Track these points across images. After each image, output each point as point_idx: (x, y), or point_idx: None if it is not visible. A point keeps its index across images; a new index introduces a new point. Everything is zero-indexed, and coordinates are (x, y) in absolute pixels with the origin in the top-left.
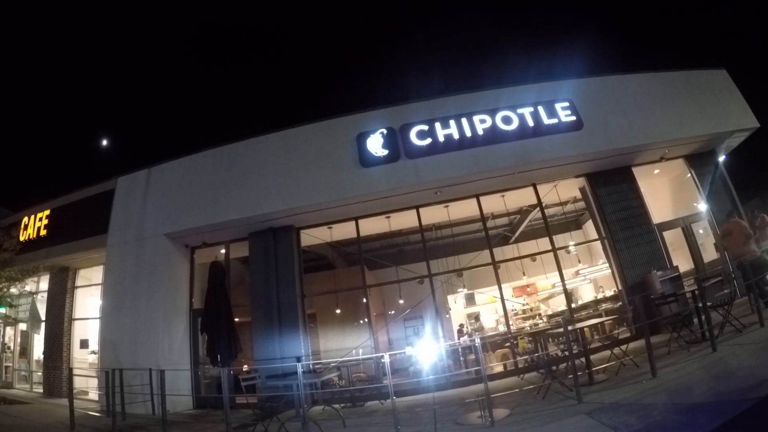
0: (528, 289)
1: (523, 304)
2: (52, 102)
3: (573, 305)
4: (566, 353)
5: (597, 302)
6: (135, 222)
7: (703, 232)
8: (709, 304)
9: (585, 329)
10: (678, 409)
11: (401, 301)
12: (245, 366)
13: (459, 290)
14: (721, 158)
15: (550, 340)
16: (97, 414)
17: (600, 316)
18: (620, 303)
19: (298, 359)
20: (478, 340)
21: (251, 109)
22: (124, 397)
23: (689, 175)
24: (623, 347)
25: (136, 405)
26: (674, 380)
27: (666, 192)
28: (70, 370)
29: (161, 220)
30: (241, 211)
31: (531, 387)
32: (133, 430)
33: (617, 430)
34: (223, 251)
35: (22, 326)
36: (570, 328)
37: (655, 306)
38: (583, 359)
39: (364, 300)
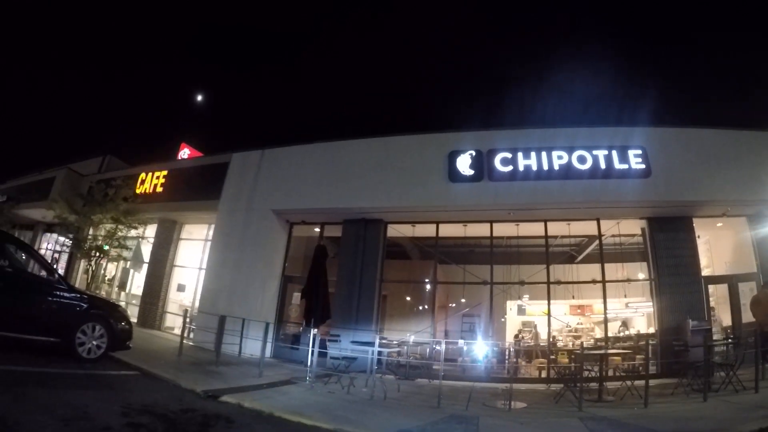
0: (578, 310)
1: (578, 323)
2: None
3: (621, 333)
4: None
5: (639, 336)
6: (246, 194)
7: (749, 293)
8: (718, 361)
9: (613, 357)
10: (638, 429)
11: (463, 300)
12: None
13: (517, 299)
14: None
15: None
16: (191, 344)
17: (632, 349)
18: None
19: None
20: (512, 348)
21: (359, 111)
22: (222, 337)
23: (749, 234)
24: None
25: (226, 346)
26: (657, 414)
27: (724, 246)
28: (185, 310)
29: (270, 196)
30: (341, 201)
31: (551, 393)
32: (228, 365)
33: (587, 427)
34: (317, 230)
35: (125, 264)
36: (586, 353)
37: (673, 352)
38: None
39: (432, 293)
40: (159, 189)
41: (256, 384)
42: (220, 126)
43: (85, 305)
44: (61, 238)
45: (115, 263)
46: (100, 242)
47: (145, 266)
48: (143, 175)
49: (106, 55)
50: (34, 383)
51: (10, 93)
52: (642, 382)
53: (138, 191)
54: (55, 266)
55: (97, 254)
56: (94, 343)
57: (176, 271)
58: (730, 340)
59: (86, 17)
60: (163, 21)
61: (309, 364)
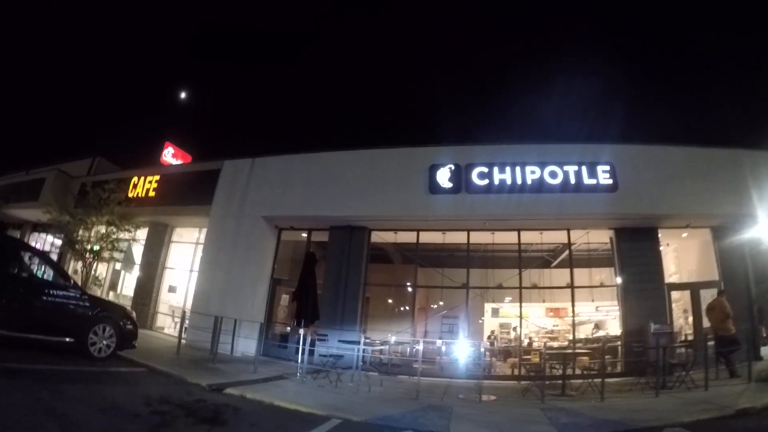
0: (551, 313)
1: (554, 326)
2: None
3: (593, 335)
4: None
5: (608, 338)
6: (237, 201)
7: (710, 300)
8: (674, 361)
9: (581, 356)
10: (591, 420)
11: (441, 303)
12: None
13: (492, 302)
14: (747, 236)
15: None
16: (184, 342)
17: (597, 350)
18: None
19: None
20: (483, 348)
21: (350, 113)
22: (218, 337)
23: (712, 245)
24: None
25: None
26: (610, 406)
27: (690, 254)
28: (183, 312)
29: (260, 203)
30: (328, 209)
31: (521, 388)
32: (224, 362)
33: (550, 420)
34: (304, 235)
35: (116, 265)
36: (551, 352)
37: (634, 353)
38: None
39: (412, 295)
40: (151, 193)
41: (253, 379)
42: (206, 127)
43: (96, 308)
44: (50, 238)
45: (106, 264)
46: (93, 244)
47: (136, 268)
48: (135, 179)
49: (93, 52)
50: (61, 380)
51: None
52: (606, 379)
53: (130, 195)
54: None
55: (91, 256)
56: (105, 343)
57: (167, 272)
58: (685, 343)
59: (79, 14)
60: (157, 19)
61: (300, 361)
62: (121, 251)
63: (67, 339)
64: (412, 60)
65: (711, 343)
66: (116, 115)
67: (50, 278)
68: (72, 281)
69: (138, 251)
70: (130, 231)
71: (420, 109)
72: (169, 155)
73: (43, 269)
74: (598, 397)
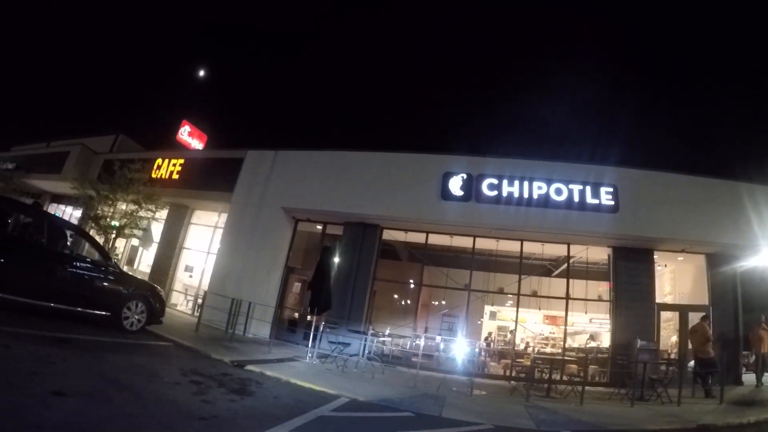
0: (547, 320)
1: (551, 332)
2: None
3: (587, 345)
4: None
5: (599, 349)
6: (258, 190)
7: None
8: (654, 377)
9: (570, 364)
10: (567, 419)
11: (443, 302)
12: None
13: (492, 305)
14: (740, 266)
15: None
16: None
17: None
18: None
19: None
20: (477, 348)
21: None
22: (235, 318)
23: (705, 271)
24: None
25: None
26: (587, 410)
27: (685, 277)
28: (206, 293)
29: (281, 194)
30: (344, 206)
31: (510, 387)
32: (240, 341)
33: (530, 415)
34: (319, 227)
35: (134, 242)
36: (539, 357)
37: (618, 365)
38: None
39: (417, 292)
40: (175, 176)
41: (268, 359)
42: (225, 113)
43: (131, 286)
44: (69, 210)
45: (124, 240)
46: (117, 221)
47: (154, 245)
48: (159, 160)
49: (117, 32)
50: (103, 349)
51: (15, 62)
52: (589, 387)
53: (154, 175)
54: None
55: (114, 231)
56: (136, 317)
57: (184, 252)
58: (665, 360)
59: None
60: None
61: (311, 345)
62: (142, 229)
63: (105, 313)
64: (420, 63)
65: (691, 363)
66: (137, 93)
67: (94, 257)
68: (113, 261)
69: (157, 230)
70: (153, 211)
71: (433, 113)
72: (186, 134)
73: (87, 248)
74: (578, 402)
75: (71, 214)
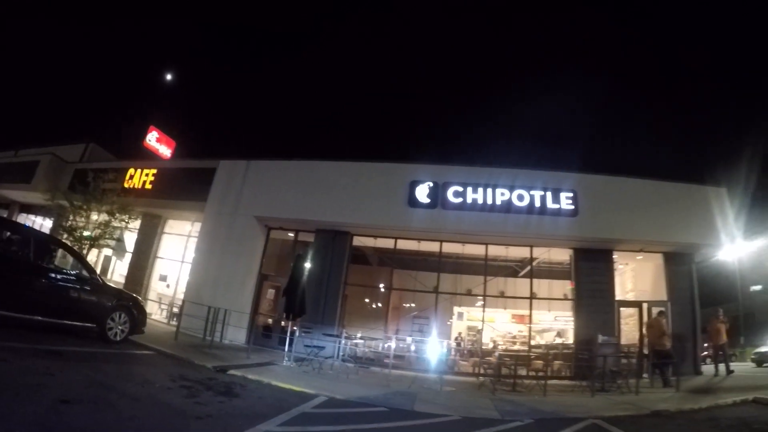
0: (513, 319)
1: (519, 331)
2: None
3: (560, 341)
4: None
5: (564, 345)
6: (232, 200)
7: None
8: (614, 369)
9: (535, 360)
10: (529, 409)
11: (413, 304)
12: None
13: (460, 306)
14: (695, 264)
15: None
16: (173, 328)
17: (544, 356)
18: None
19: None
20: (448, 347)
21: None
22: (212, 326)
23: (663, 268)
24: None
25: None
26: (549, 401)
27: (645, 275)
28: (183, 302)
29: (254, 204)
30: (315, 214)
31: (478, 383)
32: (218, 348)
33: (496, 407)
34: (291, 235)
35: (107, 252)
36: (504, 354)
37: (578, 358)
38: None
39: (387, 296)
40: (148, 186)
41: (248, 363)
42: (196, 120)
43: (114, 298)
44: (39, 220)
45: (98, 250)
46: (90, 232)
47: (128, 255)
48: (132, 170)
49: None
50: (94, 360)
51: None
52: (553, 381)
53: (126, 185)
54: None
55: (88, 243)
56: (120, 328)
57: (158, 262)
58: (623, 354)
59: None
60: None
61: (287, 349)
62: (116, 239)
63: (91, 325)
64: (390, 76)
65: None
66: (106, 102)
67: (79, 271)
68: (97, 274)
69: (130, 239)
70: (127, 222)
71: (401, 123)
72: (154, 140)
73: (72, 262)
74: (542, 394)
75: (41, 224)
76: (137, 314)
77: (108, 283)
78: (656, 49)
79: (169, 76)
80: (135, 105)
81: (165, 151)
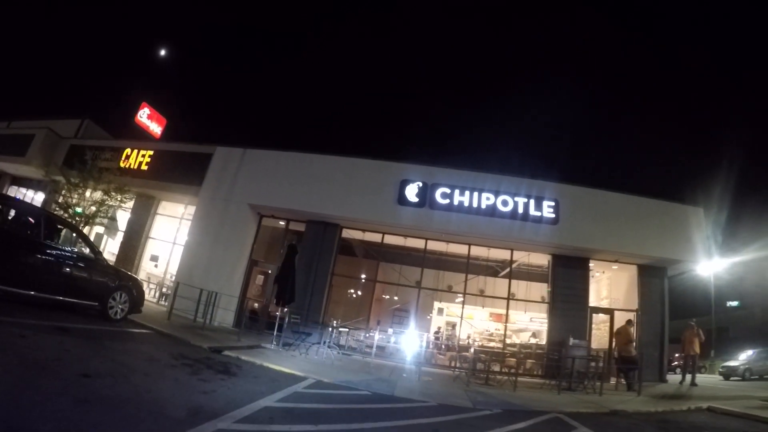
0: (490, 317)
1: (496, 329)
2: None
3: (534, 341)
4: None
5: (538, 345)
6: (226, 186)
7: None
8: (582, 371)
9: (509, 357)
10: (499, 401)
11: (396, 297)
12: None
13: (441, 301)
14: (667, 277)
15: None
16: (164, 309)
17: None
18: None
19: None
20: (427, 340)
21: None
22: (206, 308)
23: (636, 279)
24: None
25: (199, 314)
26: (518, 395)
27: (620, 284)
28: (177, 283)
29: (248, 191)
30: (307, 205)
31: (454, 375)
32: (210, 330)
33: (468, 397)
34: (282, 223)
35: (99, 229)
36: (479, 350)
37: (548, 359)
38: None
39: (371, 288)
40: (144, 167)
41: (240, 345)
42: (195, 101)
43: (116, 278)
44: (30, 193)
45: (89, 228)
46: (85, 209)
47: (120, 234)
48: (128, 150)
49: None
50: (100, 337)
51: None
52: (525, 378)
53: (122, 165)
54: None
55: (82, 220)
56: (120, 307)
57: (150, 242)
58: (591, 357)
59: None
60: None
61: (276, 334)
62: (110, 218)
63: (94, 303)
64: (388, 75)
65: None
66: (105, 79)
67: (85, 251)
68: (102, 255)
69: (123, 218)
70: (123, 202)
71: (397, 122)
72: (145, 116)
73: (77, 242)
74: (513, 388)
75: (32, 197)
76: (136, 294)
77: (111, 264)
78: (645, 67)
79: (164, 53)
80: (131, 83)
81: (156, 128)
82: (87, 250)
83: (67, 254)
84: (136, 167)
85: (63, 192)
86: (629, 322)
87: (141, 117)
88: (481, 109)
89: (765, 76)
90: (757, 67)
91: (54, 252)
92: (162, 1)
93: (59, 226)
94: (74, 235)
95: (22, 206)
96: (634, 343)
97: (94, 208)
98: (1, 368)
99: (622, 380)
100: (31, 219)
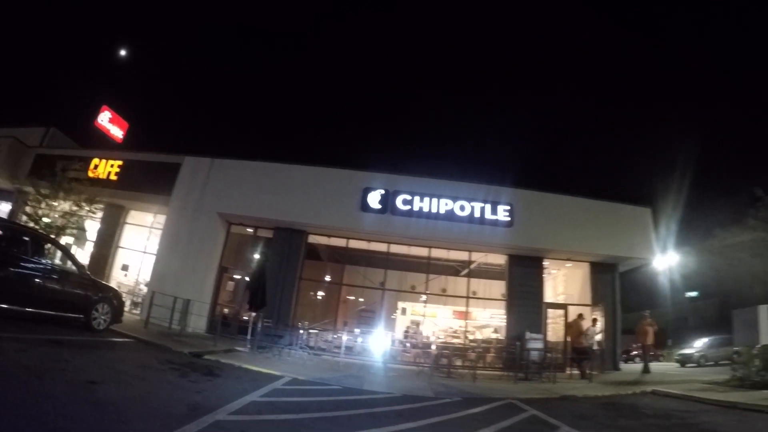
0: (455, 316)
1: (460, 326)
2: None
3: (495, 336)
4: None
5: (498, 340)
6: (196, 195)
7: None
8: (537, 362)
9: (469, 352)
10: (459, 391)
11: (361, 299)
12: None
13: (406, 301)
14: (617, 274)
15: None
16: (138, 318)
17: (478, 349)
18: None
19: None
20: (392, 338)
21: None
22: (181, 315)
23: (588, 276)
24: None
25: (170, 321)
26: (477, 386)
27: (575, 281)
28: (153, 292)
29: (217, 200)
30: (275, 213)
31: (418, 371)
32: (186, 336)
33: (431, 388)
34: (250, 230)
35: (68, 239)
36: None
37: (507, 352)
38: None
39: (338, 290)
40: (113, 177)
41: (218, 350)
42: (165, 110)
43: (99, 291)
44: None
45: (59, 238)
46: (55, 221)
47: (89, 244)
48: (97, 160)
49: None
50: (91, 347)
51: None
52: (486, 371)
53: (91, 175)
54: None
55: (54, 231)
56: (103, 318)
57: (120, 252)
58: (545, 349)
59: None
60: None
61: (249, 337)
62: (80, 229)
63: (79, 315)
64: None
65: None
66: (67, 84)
67: (70, 266)
68: (85, 269)
69: (92, 228)
70: (94, 212)
71: (355, 133)
72: (106, 119)
73: (61, 258)
74: (473, 380)
75: None
76: (117, 305)
77: (92, 277)
78: (598, 74)
79: (127, 57)
80: (96, 89)
81: (117, 132)
82: (70, 264)
83: (55, 270)
84: (105, 177)
85: (31, 203)
86: (580, 315)
87: (101, 120)
88: (441, 116)
89: (706, 71)
90: (697, 64)
91: (42, 268)
92: (119, 1)
93: (44, 243)
94: (58, 250)
95: (10, 225)
96: (585, 335)
97: (63, 219)
98: (18, 380)
99: (576, 370)
100: (17, 238)
